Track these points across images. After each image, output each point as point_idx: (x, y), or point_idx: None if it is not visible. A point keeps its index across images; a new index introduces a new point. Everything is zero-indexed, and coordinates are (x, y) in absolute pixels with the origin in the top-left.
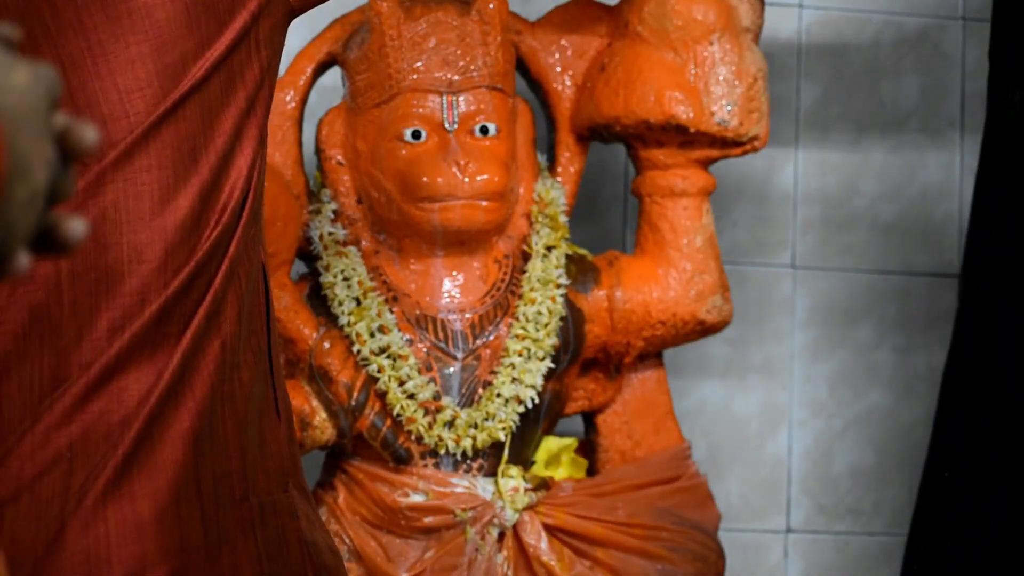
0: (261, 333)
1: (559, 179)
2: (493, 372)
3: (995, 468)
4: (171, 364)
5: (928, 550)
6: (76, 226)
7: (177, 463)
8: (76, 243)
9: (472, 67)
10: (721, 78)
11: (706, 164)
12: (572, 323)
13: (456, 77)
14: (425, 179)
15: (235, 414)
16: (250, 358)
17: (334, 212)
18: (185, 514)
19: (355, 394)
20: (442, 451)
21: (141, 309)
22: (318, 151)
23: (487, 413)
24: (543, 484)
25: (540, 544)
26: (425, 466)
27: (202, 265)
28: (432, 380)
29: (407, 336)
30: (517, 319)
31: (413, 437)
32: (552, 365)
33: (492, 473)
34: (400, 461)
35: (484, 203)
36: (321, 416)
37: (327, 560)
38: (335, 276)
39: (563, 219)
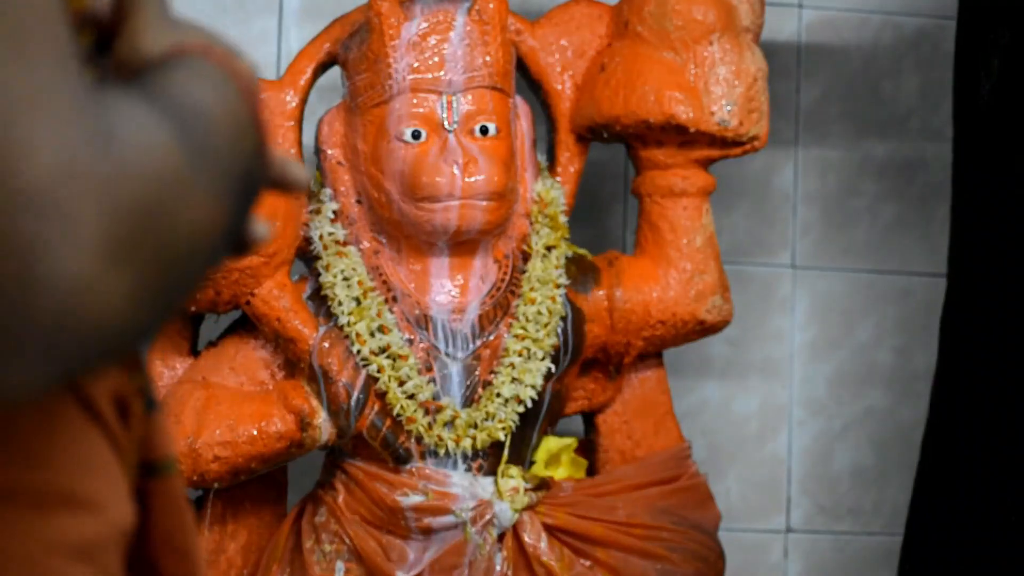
0: None
1: (559, 179)
2: (493, 372)
3: (991, 466)
4: None
5: (924, 549)
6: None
7: None
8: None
9: (472, 67)
10: (721, 78)
11: (706, 164)
12: (572, 323)
13: (456, 77)
14: (425, 179)
15: None
16: None
17: (334, 212)
18: None
19: (355, 394)
20: (442, 451)
21: None
22: (318, 151)
23: (487, 413)
24: (543, 484)
25: (540, 544)
26: (425, 466)
27: None
28: (432, 380)
29: (407, 336)
30: (517, 319)
31: (413, 437)
32: (552, 365)
33: (492, 473)
34: (400, 461)
35: (484, 203)
36: (321, 416)
37: None
38: (335, 276)
39: (563, 219)
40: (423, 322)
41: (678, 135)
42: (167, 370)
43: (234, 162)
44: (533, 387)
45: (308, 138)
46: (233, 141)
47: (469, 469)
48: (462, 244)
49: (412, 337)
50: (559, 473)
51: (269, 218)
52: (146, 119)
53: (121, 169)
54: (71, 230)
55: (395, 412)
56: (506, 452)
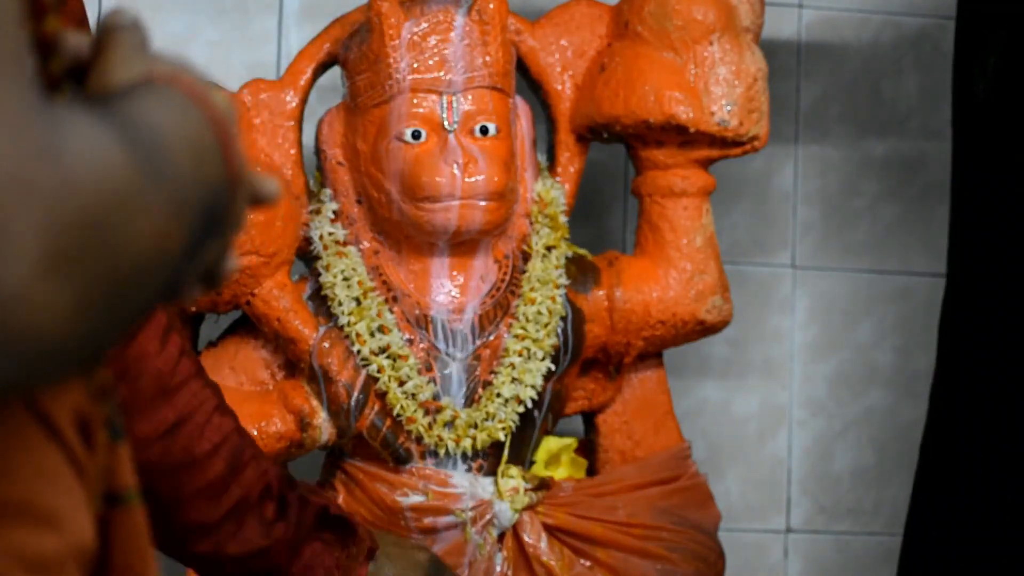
0: None
1: (559, 179)
2: (493, 372)
3: (991, 465)
4: None
5: (924, 548)
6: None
7: None
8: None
9: (472, 67)
10: (721, 78)
11: (706, 164)
12: (572, 323)
13: (456, 77)
14: (425, 179)
15: None
16: None
17: (334, 212)
18: None
19: (355, 394)
20: (442, 451)
21: None
22: (318, 151)
23: (487, 413)
24: (543, 484)
25: (540, 544)
26: (425, 466)
27: None
28: (432, 380)
29: (407, 336)
30: (517, 319)
31: (413, 437)
32: (552, 365)
33: (492, 473)
34: (400, 461)
35: (484, 203)
36: (321, 416)
37: None
38: (335, 276)
39: (563, 219)
40: (423, 322)
41: (678, 135)
42: None
43: (194, 187)
44: (533, 387)
45: (308, 138)
46: (194, 166)
47: (469, 469)
48: (462, 244)
49: (412, 337)
50: (559, 473)
51: (269, 218)
52: (98, 135)
53: (68, 182)
54: (10, 240)
55: (395, 412)
56: (506, 452)
